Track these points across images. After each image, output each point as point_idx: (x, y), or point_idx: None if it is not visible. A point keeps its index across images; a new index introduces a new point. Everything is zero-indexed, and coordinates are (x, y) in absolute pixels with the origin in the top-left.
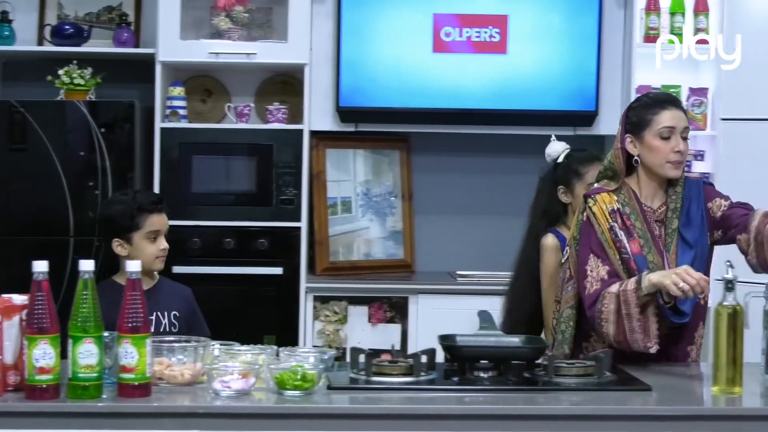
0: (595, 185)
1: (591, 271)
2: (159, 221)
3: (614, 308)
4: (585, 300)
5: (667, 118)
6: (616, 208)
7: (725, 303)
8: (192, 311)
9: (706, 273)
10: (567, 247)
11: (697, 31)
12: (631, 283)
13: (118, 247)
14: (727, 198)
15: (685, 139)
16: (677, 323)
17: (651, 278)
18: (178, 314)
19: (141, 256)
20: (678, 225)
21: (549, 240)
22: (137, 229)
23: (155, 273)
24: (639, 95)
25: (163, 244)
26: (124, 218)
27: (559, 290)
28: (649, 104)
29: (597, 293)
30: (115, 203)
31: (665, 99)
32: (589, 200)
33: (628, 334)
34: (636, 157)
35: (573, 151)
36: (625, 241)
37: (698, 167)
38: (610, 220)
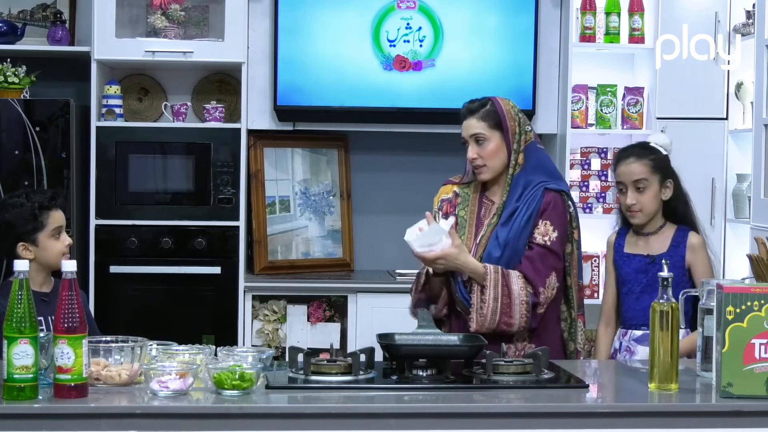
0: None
1: None
2: (60, 217)
3: (414, 287)
4: None
5: (462, 130)
6: (449, 198)
7: (660, 301)
8: (89, 318)
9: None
10: None
11: (633, 30)
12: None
13: (24, 251)
14: (548, 231)
15: (480, 142)
16: (464, 303)
17: None
18: None
19: (48, 255)
20: (497, 222)
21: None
22: (42, 228)
23: (51, 277)
24: None
25: (66, 239)
26: (27, 220)
27: None
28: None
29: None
30: (12, 206)
31: (462, 113)
32: (440, 188)
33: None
34: None
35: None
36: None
37: None
38: (436, 206)
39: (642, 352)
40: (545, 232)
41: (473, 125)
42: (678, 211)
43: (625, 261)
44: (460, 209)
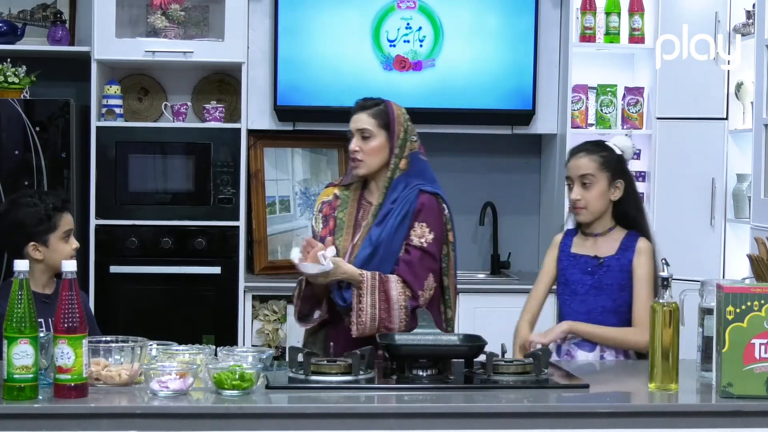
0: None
1: None
2: (70, 220)
3: (295, 294)
4: None
5: (351, 122)
6: (328, 200)
7: (661, 300)
8: (89, 318)
9: (390, 272)
10: None
11: (633, 30)
12: None
13: (34, 251)
14: (425, 234)
15: (365, 138)
16: (340, 306)
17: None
18: None
19: (57, 257)
20: (372, 222)
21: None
22: (54, 230)
23: (55, 279)
24: None
25: (75, 243)
26: (41, 220)
27: None
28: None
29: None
30: (25, 206)
31: (354, 107)
32: (323, 190)
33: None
34: None
35: None
36: (320, 225)
37: (634, 166)
38: (317, 208)
39: (582, 356)
40: (421, 234)
41: (363, 120)
42: (629, 215)
43: (571, 261)
44: (339, 211)
